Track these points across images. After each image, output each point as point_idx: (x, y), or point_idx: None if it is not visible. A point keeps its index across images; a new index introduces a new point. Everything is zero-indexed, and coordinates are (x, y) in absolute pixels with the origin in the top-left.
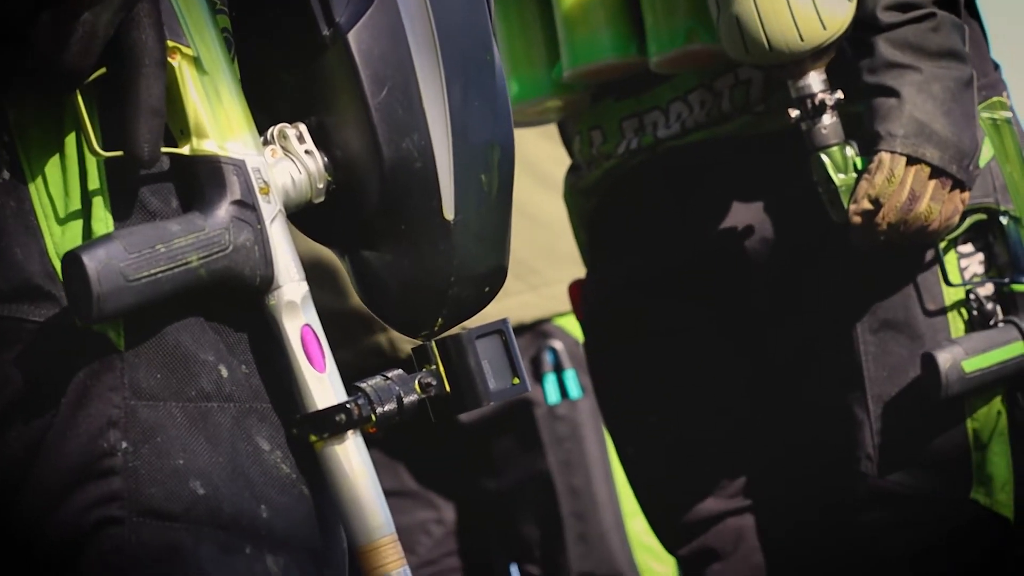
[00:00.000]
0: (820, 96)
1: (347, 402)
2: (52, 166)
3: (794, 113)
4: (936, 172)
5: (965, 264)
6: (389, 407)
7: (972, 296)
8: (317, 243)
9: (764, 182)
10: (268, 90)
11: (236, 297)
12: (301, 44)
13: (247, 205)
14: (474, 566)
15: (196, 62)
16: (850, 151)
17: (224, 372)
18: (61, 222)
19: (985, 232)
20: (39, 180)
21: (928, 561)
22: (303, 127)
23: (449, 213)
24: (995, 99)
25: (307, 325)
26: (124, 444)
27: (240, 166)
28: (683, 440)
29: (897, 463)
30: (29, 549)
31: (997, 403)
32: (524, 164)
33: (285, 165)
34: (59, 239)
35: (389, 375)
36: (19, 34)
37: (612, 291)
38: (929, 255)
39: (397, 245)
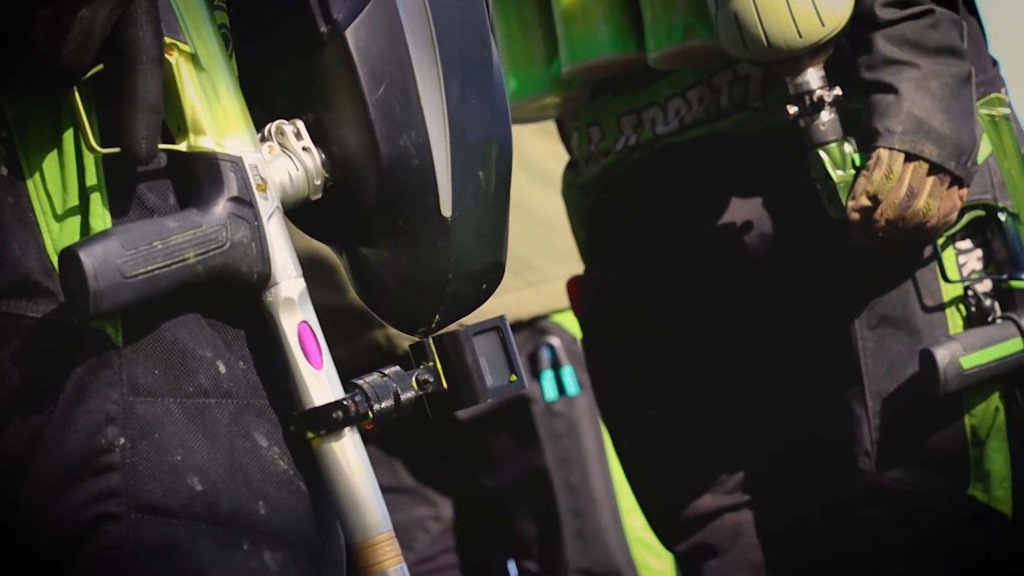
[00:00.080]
0: (818, 93)
1: (344, 399)
2: (50, 162)
3: (792, 110)
4: (934, 168)
5: (963, 260)
6: (386, 404)
7: (970, 292)
8: (314, 240)
9: (763, 178)
10: (266, 87)
11: (233, 294)
12: (299, 41)
13: (244, 202)
14: (471, 563)
15: (194, 59)
16: (848, 147)
17: (222, 368)
18: (59, 218)
19: (983, 228)
20: (37, 176)
21: (926, 557)
22: (301, 124)
23: (447, 210)
24: (993, 95)
25: (304, 322)
26: (122, 440)
27: (237, 163)
28: (681, 436)
29: (895, 459)
30: (27, 545)
31: (995, 399)
32: (521, 161)
33: (282, 162)
34: (57, 235)
35: (386, 372)
36: (17, 31)
37: (610, 287)
38: (927, 251)
39: (394, 242)
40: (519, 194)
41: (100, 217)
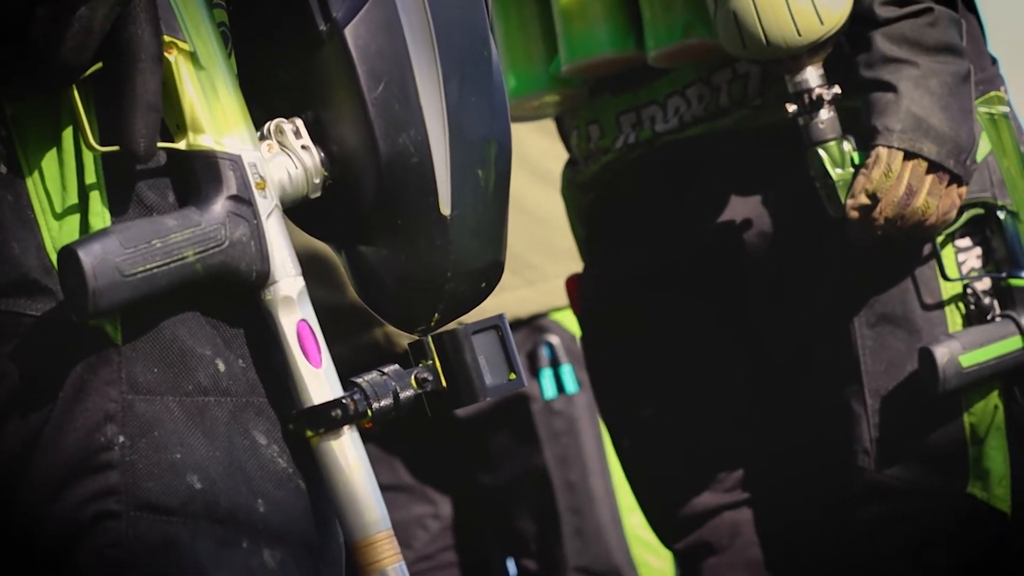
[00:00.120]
0: (817, 91)
1: (343, 397)
2: (49, 161)
3: (791, 108)
4: (933, 167)
5: (963, 259)
6: (385, 402)
7: (969, 291)
8: (313, 238)
9: (762, 176)
10: (265, 85)
11: (232, 292)
12: (298, 39)
13: (243, 200)
14: (470, 561)
15: (193, 57)
16: (847, 146)
17: (221, 366)
18: (58, 216)
19: (983, 227)
20: (36, 175)
21: (925, 555)
22: (300, 122)
23: (446, 209)
24: (992, 94)
25: (303, 320)
26: (121, 438)
27: (236, 161)
28: (680, 434)
29: (894, 457)
30: (26, 543)
31: (994, 398)
32: (520, 159)
33: (281, 160)
34: (56, 233)
35: (385, 370)
36: (16, 30)
37: (610, 285)
38: (926, 249)
39: (393, 240)
40: (518, 192)
41: (99, 215)
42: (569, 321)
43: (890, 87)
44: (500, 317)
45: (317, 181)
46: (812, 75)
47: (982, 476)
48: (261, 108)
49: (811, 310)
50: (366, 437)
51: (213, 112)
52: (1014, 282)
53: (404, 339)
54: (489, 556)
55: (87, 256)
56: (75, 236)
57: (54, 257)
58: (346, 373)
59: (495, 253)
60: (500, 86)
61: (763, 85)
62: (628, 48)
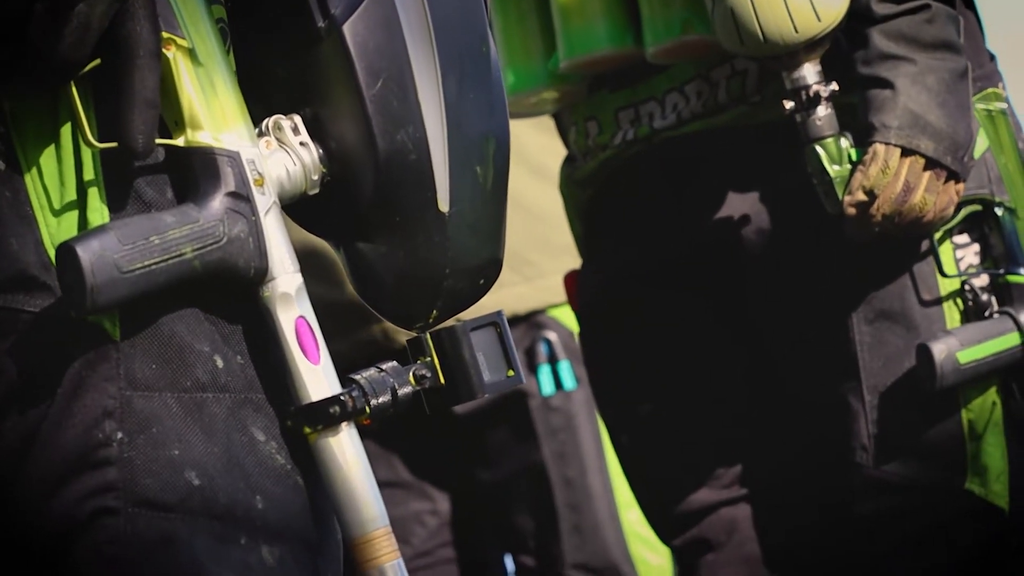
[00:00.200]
0: (815, 88)
1: (341, 394)
2: (48, 157)
3: (789, 105)
4: (930, 163)
5: (961, 255)
6: (383, 399)
7: (967, 287)
8: (312, 235)
9: (760, 173)
10: (263, 81)
11: (231, 289)
12: (296, 36)
13: (242, 197)
14: (469, 557)
15: (191, 53)
16: (845, 142)
17: (219, 362)
18: (57, 213)
19: (980, 223)
20: (35, 171)
21: (923, 551)
22: (298, 119)
23: (444, 205)
24: (990, 90)
25: (301, 317)
26: (119, 434)
27: (235, 157)
28: (678, 430)
29: (892, 453)
30: (24, 539)
31: (992, 394)
32: (518, 155)
33: (280, 157)
34: (55, 230)
35: (383, 367)
36: (14, 26)
37: (608, 282)
38: (924, 246)
39: (392, 237)
40: (516, 189)
41: (97, 212)
42: (567, 317)
43: (887, 84)
44: (498, 314)
45: (315, 178)
46: (809, 72)
47: (980, 472)
48: (259, 105)
49: (809, 306)
50: (364, 433)
51: (211, 109)
52: (1012, 278)
53: (402, 336)
54: (487, 552)
55: (85, 252)
56: (73, 232)
57: (52, 253)
58: (344, 370)
59: (493, 250)
60: (498, 83)
61: (761, 81)
62: (626, 44)
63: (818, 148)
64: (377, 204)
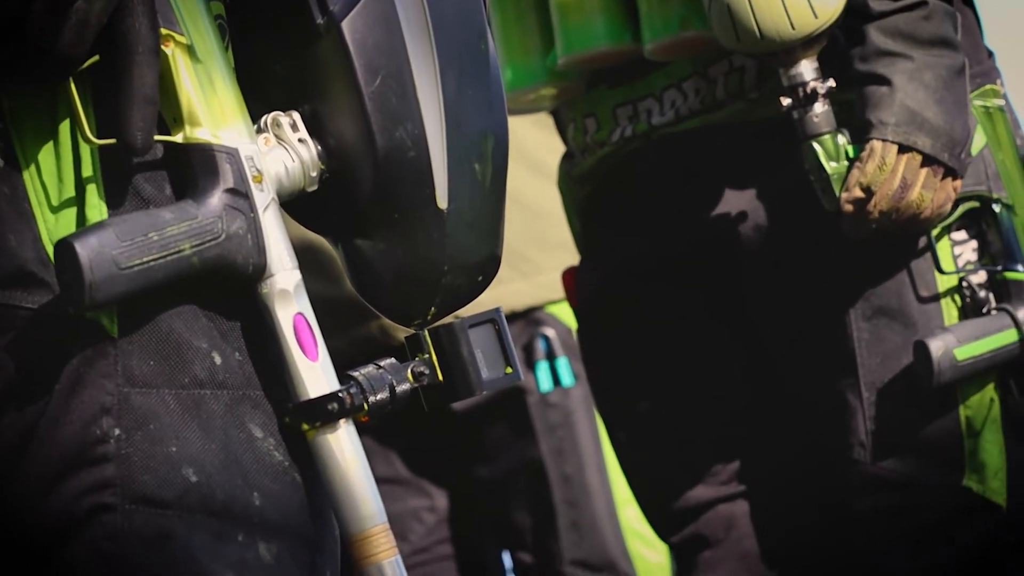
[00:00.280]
0: (812, 84)
1: (339, 391)
2: (46, 153)
3: (786, 101)
4: (928, 160)
5: (958, 252)
6: (382, 396)
7: (965, 284)
8: (310, 231)
9: (758, 169)
10: (262, 78)
11: (229, 285)
12: (295, 32)
13: (240, 193)
14: (466, 554)
15: (190, 50)
16: (842, 139)
17: (217, 359)
18: (55, 209)
19: (978, 220)
20: (33, 167)
21: (921, 548)
22: (297, 115)
23: (443, 202)
24: (988, 87)
25: (300, 313)
26: (117, 431)
27: (233, 154)
28: (676, 427)
29: (890, 450)
30: (22, 536)
31: (990, 390)
32: (516, 152)
33: (278, 153)
34: (53, 226)
35: (382, 364)
36: (13, 22)
37: (606, 278)
38: (922, 243)
39: (390, 234)
40: (514, 185)
41: (96, 208)
42: (565, 314)
43: (884, 80)
44: (496, 311)
45: (314, 175)
46: (806, 68)
47: (978, 469)
48: (258, 101)
49: (807, 303)
50: (362, 429)
51: (210, 105)
52: (1009, 275)
53: (400, 332)
54: (485, 549)
55: (84, 249)
56: (71, 229)
57: (50, 250)
58: (342, 367)
59: (492, 247)
60: (497, 80)
61: (759, 78)
62: (624, 41)
63: (815, 145)
64: (376, 201)
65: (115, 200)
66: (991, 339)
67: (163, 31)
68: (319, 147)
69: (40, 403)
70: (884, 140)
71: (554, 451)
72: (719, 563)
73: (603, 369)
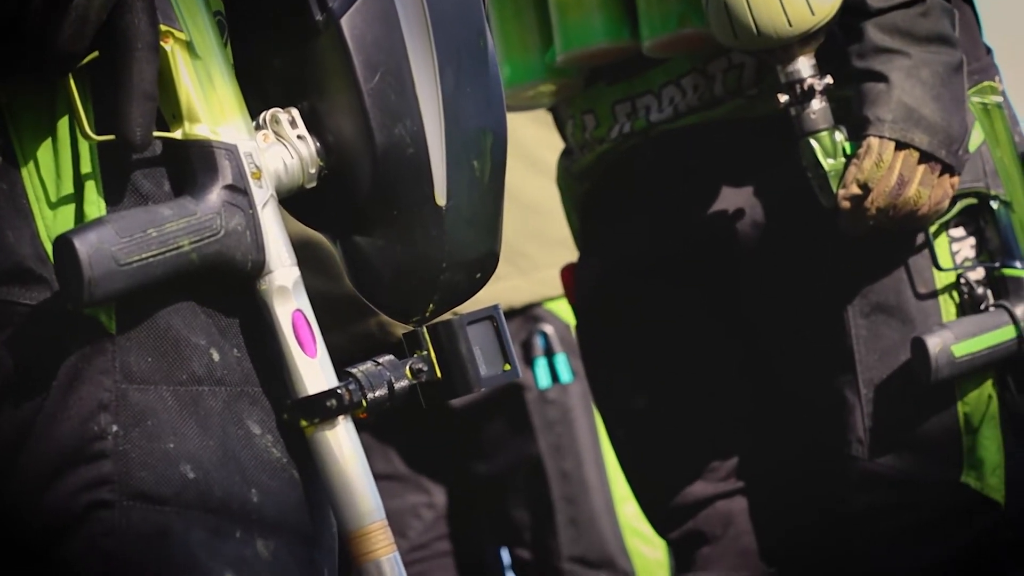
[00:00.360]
0: (809, 81)
1: (338, 387)
2: (44, 150)
3: (783, 98)
4: (925, 157)
5: (956, 248)
6: (380, 393)
7: (963, 280)
8: (309, 228)
9: (757, 166)
10: (260, 75)
11: (228, 282)
12: (294, 29)
13: (239, 190)
14: (465, 550)
15: (189, 46)
16: (839, 136)
17: (215, 356)
18: (53, 205)
19: (976, 216)
20: (31, 164)
21: (918, 544)
22: (295, 112)
23: (441, 199)
24: (986, 83)
25: (298, 310)
26: (115, 427)
27: (232, 151)
28: (674, 424)
29: (888, 447)
30: (20, 532)
31: (988, 387)
32: (515, 148)
33: (277, 150)
34: (51, 222)
35: (380, 360)
36: (12, 18)
37: (605, 275)
38: (920, 239)
39: (389, 231)
40: (512, 182)
41: (94, 204)
42: (564, 310)
43: (881, 77)
44: (495, 308)
45: (313, 171)
46: (804, 65)
47: (976, 466)
48: (257, 98)
49: (805, 299)
50: (360, 426)
51: (209, 101)
52: (1007, 272)
53: (399, 329)
54: (483, 546)
55: (83, 245)
56: (70, 225)
57: (49, 246)
58: (341, 363)
59: (490, 244)
60: (496, 76)
61: (758, 75)
62: (623, 38)
63: (812, 141)
64: (374, 198)
65: (114, 196)
66: (989, 336)
67: (162, 27)
68: (318, 144)
69: (38, 399)
70: (881, 137)
71: (552, 448)
72: (717, 559)
73: (601, 366)
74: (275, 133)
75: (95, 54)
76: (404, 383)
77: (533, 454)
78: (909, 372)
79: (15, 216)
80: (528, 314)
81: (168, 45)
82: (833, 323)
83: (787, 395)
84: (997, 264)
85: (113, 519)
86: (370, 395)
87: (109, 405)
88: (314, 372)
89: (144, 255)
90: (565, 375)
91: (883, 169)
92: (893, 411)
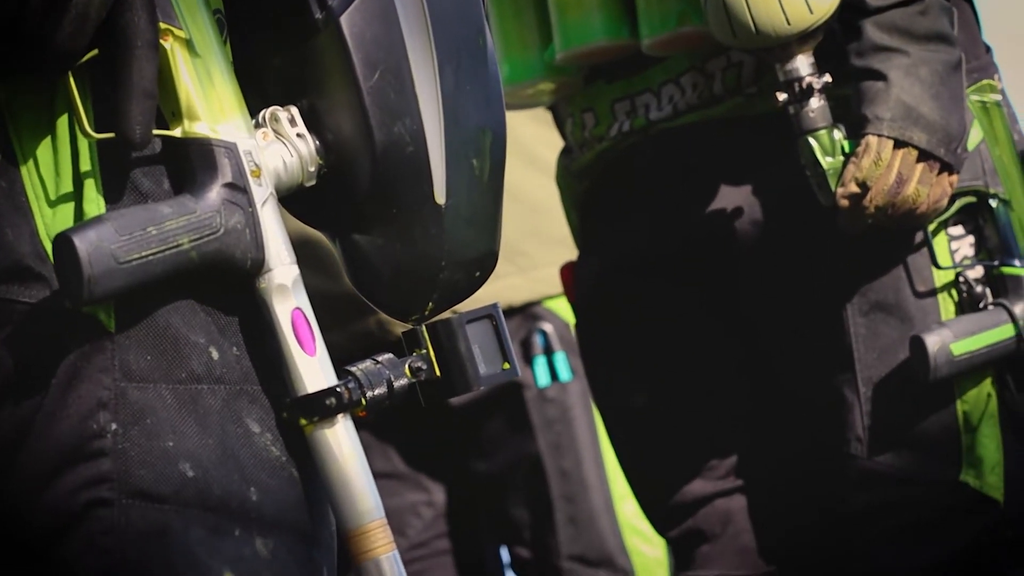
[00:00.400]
0: (808, 79)
1: (337, 386)
2: (44, 148)
3: (782, 97)
4: (923, 155)
5: (955, 247)
6: (379, 391)
7: (962, 279)
8: (308, 226)
9: (756, 164)
10: (260, 73)
11: (227, 280)
12: (293, 27)
13: (238, 188)
14: (464, 548)
15: (188, 44)
16: (838, 134)
17: (215, 354)
18: (52, 204)
19: (975, 215)
20: (31, 162)
21: (918, 543)
22: (295, 110)
23: (440, 197)
24: (985, 82)
25: (298, 308)
26: (114, 426)
27: (232, 149)
28: (674, 422)
29: (887, 445)
30: (19, 530)
31: (987, 385)
32: (514, 146)
33: (276, 148)
34: (50, 220)
35: (379, 359)
36: (12, 16)
37: (604, 274)
38: (919, 237)
39: (388, 229)
40: (511, 180)
41: (94, 202)
42: (563, 309)
43: (880, 76)
44: (494, 306)
45: (312, 169)
46: (802, 64)
47: (975, 464)
48: (256, 96)
49: (804, 298)
50: (359, 424)
51: (208, 100)
52: (1006, 270)
53: (398, 328)
54: (483, 544)
55: (82, 243)
56: (69, 223)
57: (48, 244)
58: (340, 361)
59: (489, 242)
60: (495, 75)
61: (757, 73)
62: (622, 36)
63: (811, 140)
64: (374, 196)
65: (113, 194)
66: (988, 334)
67: (162, 25)
68: (317, 142)
69: (37, 398)
70: (880, 135)
71: (552, 446)
72: (716, 558)
73: (601, 364)
74: (274, 131)
75: (95, 52)
76: (403, 382)
77: (532, 452)
78: (908, 370)
79: (14, 214)
80: (527, 312)
81: (168, 43)
82: (832, 321)
83: (786, 394)
84: (996, 262)
85: (112, 517)
86: (369, 393)
87: (108, 403)
88: (313, 370)
89: (144, 253)
90: (564, 373)
91: (882, 167)
92: (892, 409)
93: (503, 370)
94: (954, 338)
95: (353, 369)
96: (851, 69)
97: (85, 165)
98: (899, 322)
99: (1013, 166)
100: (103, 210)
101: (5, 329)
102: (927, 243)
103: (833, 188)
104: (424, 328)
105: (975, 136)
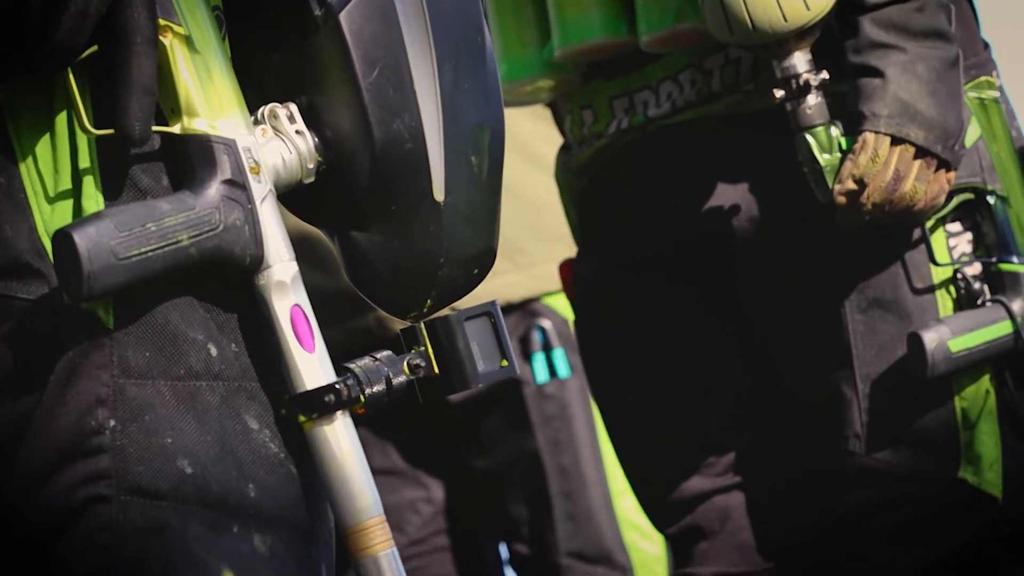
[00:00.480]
0: (805, 76)
1: (336, 383)
2: (43, 144)
3: (779, 93)
4: (921, 152)
5: (953, 243)
6: (378, 388)
7: (960, 275)
8: (307, 223)
9: (754, 161)
10: (259, 70)
11: (226, 276)
12: (292, 24)
13: (237, 185)
14: (463, 545)
15: (187, 41)
16: (835, 131)
17: (213, 351)
18: (51, 200)
19: (973, 211)
20: (29, 158)
21: (916, 540)
22: (294, 107)
23: (439, 195)
24: (983, 78)
25: (297, 305)
26: (112, 422)
27: (231, 145)
28: (672, 419)
29: (885, 442)
30: (17, 527)
31: (985, 382)
32: (512, 143)
33: (276, 145)
34: (49, 217)
35: (378, 356)
36: (11, 12)
37: (603, 270)
38: (917, 234)
39: (387, 226)
40: (511, 177)
41: (93, 199)
42: (561, 305)
43: (877, 72)
44: (492, 304)
45: (311, 166)
46: (799, 60)
47: (973, 461)
48: (255, 93)
49: (802, 295)
50: (358, 421)
51: (208, 96)
52: (1004, 267)
53: (397, 325)
54: (481, 541)
55: (82, 239)
56: (68, 220)
57: (46, 240)
58: (339, 358)
59: (488, 240)
60: (494, 72)
61: (755, 70)
62: (621, 33)
63: (808, 137)
64: (372, 193)
65: (112, 191)
66: (986, 331)
67: (161, 22)
68: (316, 139)
69: (35, 394)
70: (877, 132)
71: (550, 442)
72: (715, 554)
73: (600, 361)
74: (273, 128)
75: (94, 48)
76: (402, 379)
77: (531, 449)
78: (906, 367)
79: (13, 210)
80: (526, 309)
81: (167, 40)
82: (830, 318)
83: (784, 390)
84: (994, 259)
85: (110, 514)
86: (368, 391)
87: (107, 400)
88: (312, 367)
89: (143, 249)
90: (563, 370)
91: (879, 164)
92: (890, 406)
93: (501, 367)
94: (952, 335)
95: (352, 366)
96: (848, 66)
97: (84, 162)
98: (897, 319)
99: (1011, 163)
100: (102, 207)
101: (4, 326)
102: (925, 240)
103: (830, 185)
104: (423, 325)
105: (973, 133)
